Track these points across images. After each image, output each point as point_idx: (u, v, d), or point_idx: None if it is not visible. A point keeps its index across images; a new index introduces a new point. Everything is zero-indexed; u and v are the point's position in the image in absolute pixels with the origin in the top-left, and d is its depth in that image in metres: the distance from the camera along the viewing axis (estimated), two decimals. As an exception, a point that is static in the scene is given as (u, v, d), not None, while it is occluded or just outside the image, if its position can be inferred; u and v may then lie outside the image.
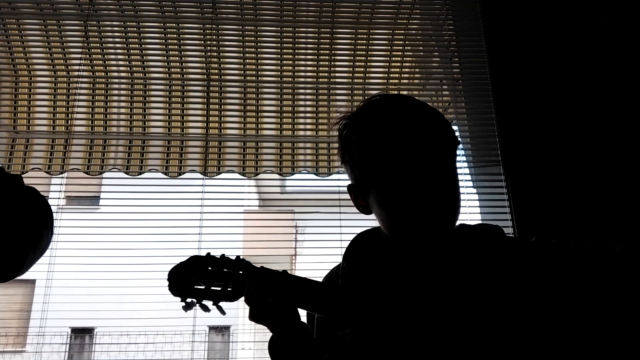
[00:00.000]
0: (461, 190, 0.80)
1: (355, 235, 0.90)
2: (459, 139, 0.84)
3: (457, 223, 0.81)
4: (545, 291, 0.69)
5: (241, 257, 0.81)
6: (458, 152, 0.80)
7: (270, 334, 0.81)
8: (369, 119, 0.79)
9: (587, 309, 0.67)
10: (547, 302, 0.68)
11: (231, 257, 0.81)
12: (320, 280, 0.94)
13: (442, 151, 0.76)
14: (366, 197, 0.80)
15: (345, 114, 0.83)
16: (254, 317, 0.77)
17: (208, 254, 0.81)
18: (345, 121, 0.82)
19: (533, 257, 0.74)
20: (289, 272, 0.79)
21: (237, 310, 0.82)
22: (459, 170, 0.80)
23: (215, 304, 0.78)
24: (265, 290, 0.75)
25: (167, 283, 0.78)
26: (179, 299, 0.78)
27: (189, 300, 0.78)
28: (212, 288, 0.78)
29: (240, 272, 0.79)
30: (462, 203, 0.80)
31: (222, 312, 0.79)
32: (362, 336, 0.74)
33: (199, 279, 0.78)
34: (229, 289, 0.78)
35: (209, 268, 0.79)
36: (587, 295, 0.67)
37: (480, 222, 1.11)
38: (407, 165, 0.74)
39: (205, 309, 0.78)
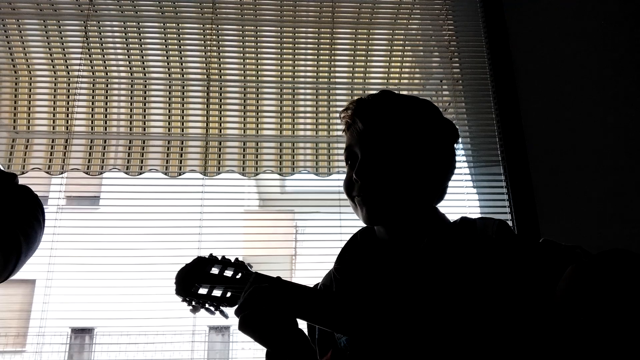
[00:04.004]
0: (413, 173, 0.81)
1: (352, 234, 0.90)
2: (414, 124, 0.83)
3: (459, 217, 0.82)
4: (540, 297, 0.66)
5: (239, 259, 0.83)
6: (410, 136, 0.82)
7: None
8: None
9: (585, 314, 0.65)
10: (540, 307, 0.66)
11: (231, 259, 0.83)
12: (321, 279, 0.94)
13: (367, 142, 0.81)
14: None
15: None
16: (242, 327, 0.73)
17: (210, 254, 0.83)
18: None
19: (531, 260, 0.71)
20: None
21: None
22: (414, 153, 0.82)
23: (217, 309, 0.81)
24: (256, 301, 0.73)
25: (174, 287, 0.82)
26: (185, 303, 0.82)
27: (194, 303, 0.81)
28: (213, 294, 0.81)
29: (237, 276, 0.82)
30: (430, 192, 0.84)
31: (225, 316, 0.82)
32: (354, 341, 0.74)
33: (202, 284, 0.81)
34: (227, 295, 0.81)
35: (212, 271, 0.82)
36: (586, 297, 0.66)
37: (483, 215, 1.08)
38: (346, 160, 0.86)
39: (211, 312, 0.82)
